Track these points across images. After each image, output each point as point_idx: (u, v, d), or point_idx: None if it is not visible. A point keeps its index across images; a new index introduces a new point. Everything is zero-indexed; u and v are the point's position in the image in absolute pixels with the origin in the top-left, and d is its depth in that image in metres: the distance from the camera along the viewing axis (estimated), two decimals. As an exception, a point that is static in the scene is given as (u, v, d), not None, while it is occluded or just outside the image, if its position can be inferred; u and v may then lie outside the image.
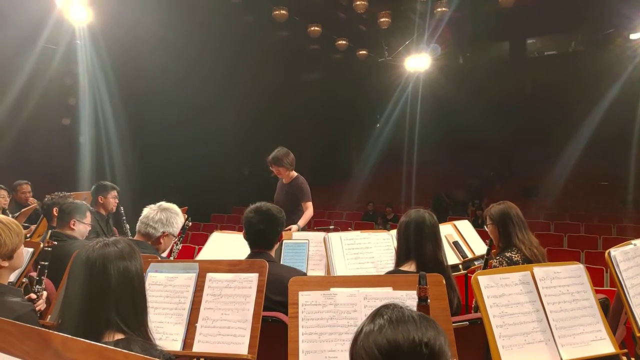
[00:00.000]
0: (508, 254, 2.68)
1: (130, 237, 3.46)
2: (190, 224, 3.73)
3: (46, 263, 2.35)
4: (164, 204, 2.72)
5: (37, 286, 2.31)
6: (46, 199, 3.89)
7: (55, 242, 2.58)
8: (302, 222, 4.33)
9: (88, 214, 3.16)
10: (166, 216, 2.64)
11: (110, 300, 1.35)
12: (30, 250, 2.48)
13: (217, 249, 3.44)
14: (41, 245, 2.65)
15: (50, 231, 3.11)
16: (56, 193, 3.91)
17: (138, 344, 1.32)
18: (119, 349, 0.82)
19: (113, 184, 4.33)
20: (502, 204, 2.85)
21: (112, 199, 4.23)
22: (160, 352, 1.38)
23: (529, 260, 2.63)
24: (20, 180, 5.54)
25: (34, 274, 2.78)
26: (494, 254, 2.88)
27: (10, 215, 4.36)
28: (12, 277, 2.22)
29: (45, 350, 0.83)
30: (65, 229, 3.05)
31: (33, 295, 2.25)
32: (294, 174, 4.57)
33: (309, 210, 4.44)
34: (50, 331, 0.86)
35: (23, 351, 0.83)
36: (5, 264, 1.87)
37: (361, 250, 3.10)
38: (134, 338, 1.34)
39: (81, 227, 3.10)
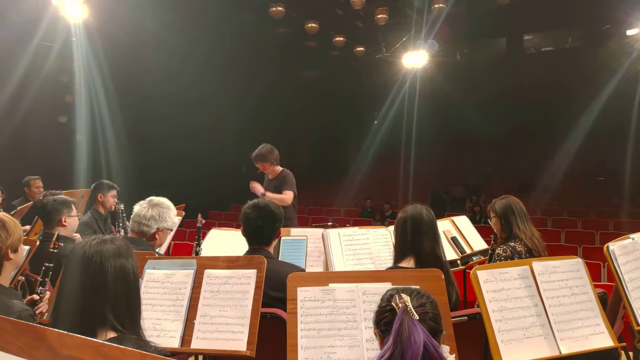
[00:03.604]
0: (512, 244, 2.77)
1: (126, 235, 3.44)
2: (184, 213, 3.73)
3: (51, 265, 2.30)
4: (154, 199, 2.65)
5: (41, 287, 2.27)
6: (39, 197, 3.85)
7: (62, 244, 2.51)
8: (271, 195, 4.15)
9: (72, 206, 3.08)
10: (158, 212, 2.58)
11: (106, 298, 1.33)
12: (27, 247, 2.45)
13: (215, 246, 3.42)
14: (37, 243, 2.62)
15: (43, 231, 3.05)
16: (48, 191, 3.87)
17: (131, 342, 1.30)
18: (115, 345, 0.81)
19: (113, 183, 4.31)
20: (504, 198, 2.95)
21: (112, 198, 4.21)
22: (154, 348, 1.37)
23: (530, 251, 2.71)
24: (31, 176, 5.45)
25: (30, 273, 2.75)
26: (497, 244, 2.94)
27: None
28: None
29: (40, 347, 0.82)
30: (56, 228, 2.95)
31: (36, 297, 2.22)
32: (279, 168, 4.56)
33: (287, 196, 4.29)
34: (46, 327, 0.85)
35: (18, 347, 0.82)
36: (13, 256, 1.87)
37: (359, 247, 3.08)
38: (127, 336, 1.32)
39: (71, 221, 3.02)
